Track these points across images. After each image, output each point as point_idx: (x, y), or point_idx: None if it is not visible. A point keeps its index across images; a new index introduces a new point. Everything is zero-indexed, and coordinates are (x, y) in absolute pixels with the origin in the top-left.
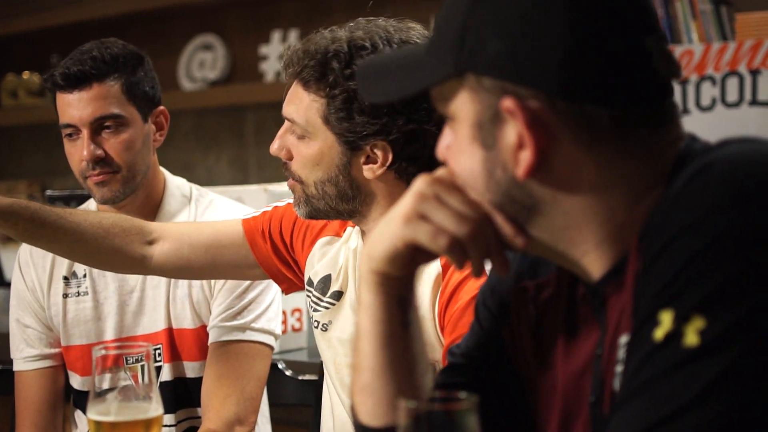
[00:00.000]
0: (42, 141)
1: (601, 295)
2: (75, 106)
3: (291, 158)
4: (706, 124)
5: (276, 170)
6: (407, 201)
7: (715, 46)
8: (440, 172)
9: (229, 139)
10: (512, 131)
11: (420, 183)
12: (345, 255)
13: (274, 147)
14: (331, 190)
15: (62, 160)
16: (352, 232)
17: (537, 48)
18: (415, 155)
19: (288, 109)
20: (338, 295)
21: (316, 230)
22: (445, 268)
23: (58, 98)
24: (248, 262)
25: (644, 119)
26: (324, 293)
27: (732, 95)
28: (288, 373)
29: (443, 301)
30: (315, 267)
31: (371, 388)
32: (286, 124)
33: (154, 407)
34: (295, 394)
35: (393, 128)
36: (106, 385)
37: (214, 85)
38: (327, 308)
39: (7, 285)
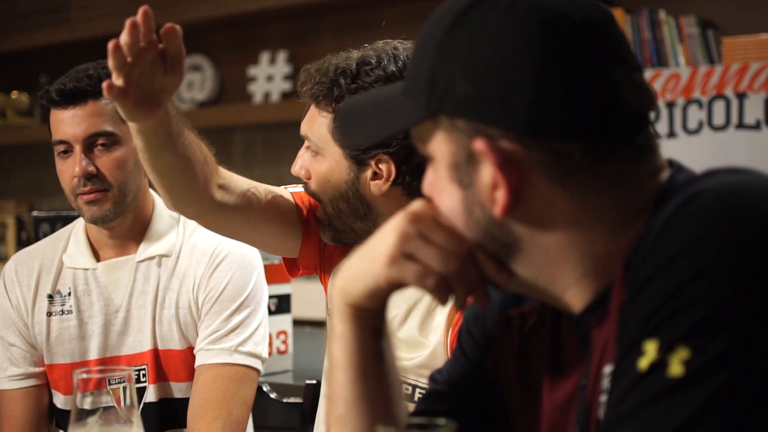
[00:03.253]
0: (30, 161)
1: (584, 327)
2: (69, 123)
3: (309, 177)
4: (693, 147)
5: None
6: (389, 240)
7: (701, 69)
8: (418, 207)
9: (216, 159)
10: (486, 171)
11: (400, 221)
12: None
13: (295, 167)
14: (345, 208)
15: (50, 180)
16: None
17: (504, 88)
18: (418, 169)
19: (303, 127)
20: None
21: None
22: None
23: (51, 115)
24: (292, 236)
25: (618, 152)
26: None
27: (719, 118)
28: (273, 395)
29: (455, 333)
30: None
31: (346, 419)
32: (305, 143)
33: (135, 431)
34: (280, 417)
35: (393, 141)
36: (88, 407)
37: (203, 106)
38: None
39: None
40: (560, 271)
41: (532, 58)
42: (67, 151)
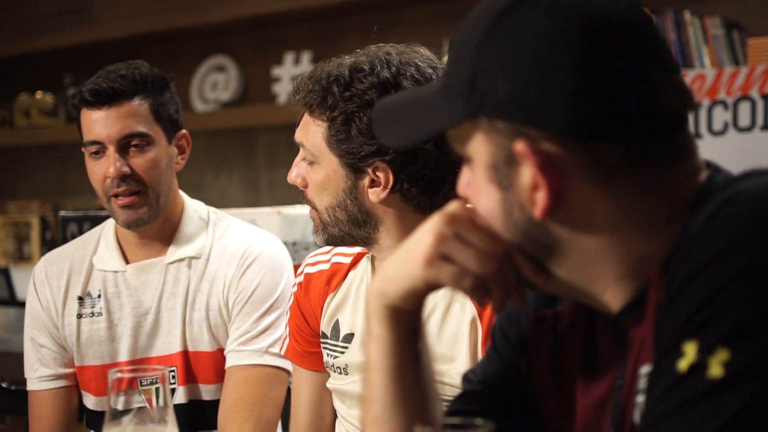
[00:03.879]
0: (54, 161)
1: (620, 327)
2: (102, 123)
3: (306, 186)
4: (718, 148)
5: (287, 192)
6: (427, 241)
7: (727, 70)
8: (455, 208)
9: (241, 160)
10: (526, 173)
11: (437, 222)
12: (351, 298)
13: (291, 175)
14: (342, 216)
15: (74, 180)
16: (353, 277)
17: (545, 90)
18: (416, 176)
19: (298, 135)
20: (350, 338)
21: (317, 299)
22: (479, 311)
23: (83, 115)
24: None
25: (657, 153)
26: (337, 339)
27: (744, 120)
28: None
29: (484, 343)
30: (323, 321)
31: (382, 420)
32: (301, 151)
33: (170, 430)
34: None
35: (389, 149)
36: (121, 408)
37: (227, 106)
38: (342, 353)
39: (18, 304)
40: (598, 273)
41: (572, 60)
42: (100, 152)
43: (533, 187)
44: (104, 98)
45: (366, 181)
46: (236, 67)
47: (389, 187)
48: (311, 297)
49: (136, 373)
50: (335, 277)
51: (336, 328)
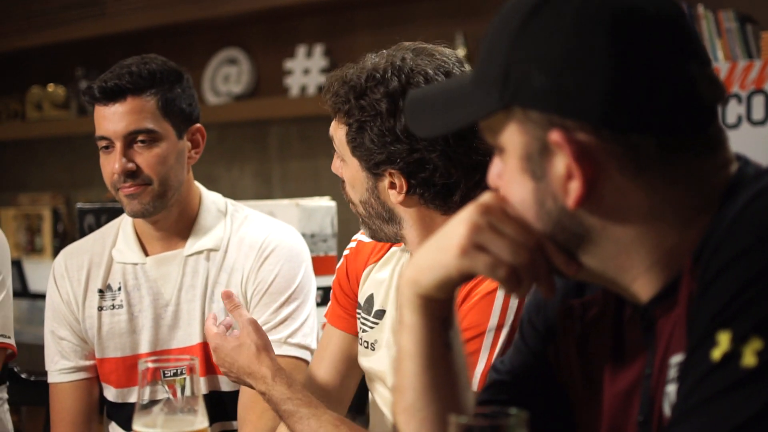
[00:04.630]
0: (66, 153)
1: (650, 317)
2: (110, 119)
3: (344, 177)
4: (732, 141)
5: (299, 184)
6: (461, 231)
7: (740, 64)
8: (487, 199)
9: (253, 152)
10: (561, 162)
11: (471, 212)
12: (388, 274)
13: (335, 165)
14: (371, 211)
15: (86, 172)
16: (396, 251)
17: (581, 80)
18: (427, 182)
19: (330, 131)
20: (381, 314)
21: (361, 264)
22: None
23: (95, 111)
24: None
25: (691, 145)
26: (369, 313)
27: (758, 113)
28: None
29: (460, 298)
30: (362, 290)
31: (414, 408)
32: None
33: (200, 420)
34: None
35: (397, 157)
36: (146, 398)
37: (239, 99)
38: (372, 327)
39: (30, 296)
40: (629, 262)
41: (607, 51)
42: (109, 146)
43: (567, 176)
44: (111, 95)
45: (385, 182)
46: (248, 60)
47: (404, 191)
48: (358, 262)
49: (166, 363)
50: (381, 249)
51: (370, 302)
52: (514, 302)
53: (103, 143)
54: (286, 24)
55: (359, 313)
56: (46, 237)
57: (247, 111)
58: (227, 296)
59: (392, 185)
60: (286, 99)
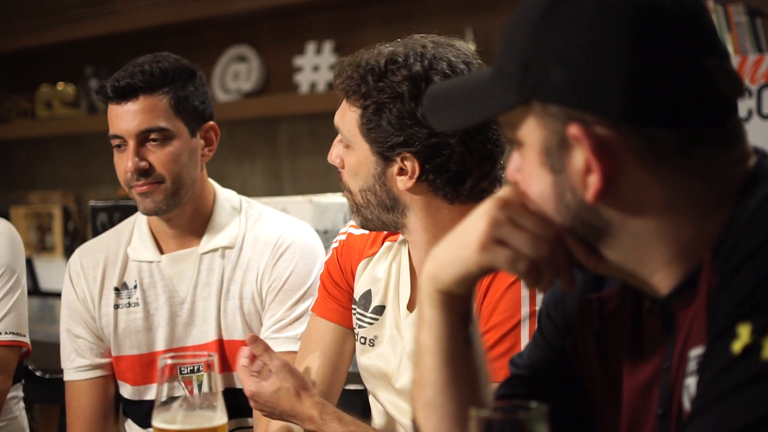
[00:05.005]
0: (76, 151)
1: (669, 310)
2: (123, 118)
3: (344, 167)
4: None
5: (309, 181)
6: (481, 226)
7: (750, 58)
8: (506, 193)
9: (263, 149)
10: (579, 156)
11: (490, 206)
12: (385, 269)
13: (331, 156)
14: (373, 200)
15: (96, 170)
16: (392, 246)
17: (600, 74)
18: (441, 168)
19: (336, 118)
20: (380, 310)
21: (355, 258)
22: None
23: (108, 109)
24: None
25: (709, 139)
26: (366, 309)
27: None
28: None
29: (480, 295)
30: (357, 285)
31: (435, 404)
32: (339, 134)
33: (219, 415)
34: (341, 404)
35: (416, 140)
36: (165, 395)
37: (249, 96)
38: (371, 324)
39: (41, 294)
40: (649, 255)
41: (627, 45)
42: (122, 145)
43: (586, 170)
44: (123, 94)
45: (395, 168)
46: (258, 57)
47: (415, 176)
48: (352, 256)
49: (185, 360)
50: (375, 242)
51: (367, 297)
52: None
53: (116, 142)
54: (295, 21)
55: (355, 309)
56: (56, 235)
57: (257, 108)
58: (253, 340)
59: (401, 171)
60: (296, 96)
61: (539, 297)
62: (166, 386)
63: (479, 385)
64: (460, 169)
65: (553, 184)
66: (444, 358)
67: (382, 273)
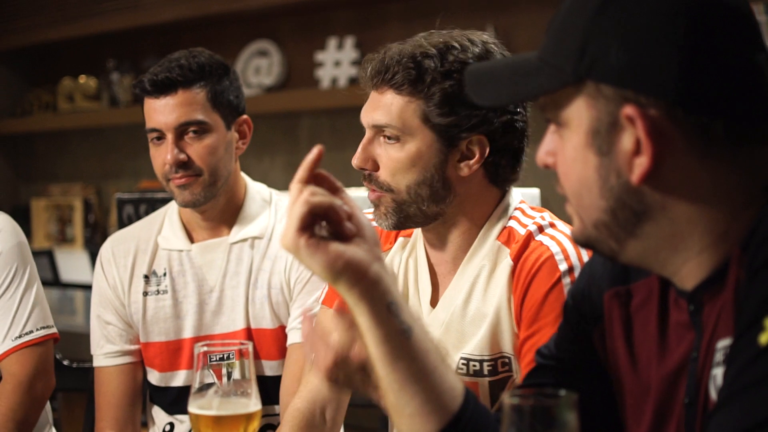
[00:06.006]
0: (97, 144)
1: (698, 301)
2: (161, 112)
3: (376, 168)
4: None
5: None
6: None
7: None
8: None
9: (283, 144)
10: (628, 138)
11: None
12: (401, 265)
13: (358, 160)
14: (425, 192)
15: (116, 163)
16: (407, 242)
17: (659, 59)
18: (509, 146)
19: (374, 115)
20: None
21: None
22: (515, 261)
23: (145, 103)
24: None
25: (754, 133)
26: None
27: None
28: None
29: (519, 295)
30: None
31: (399, 406)
32: (369, 134)
33: (254, 402)
34: (364, 395)
35: (494, 118)
36: (199, 381)
37: (270, 91)
38: None
39: (62, 286)
40: (683, 243)
41: (688, 33)
42: (160, 137)
43: (633, 152)
44: (162, 88)
45: (457, 156)
46: (279, 52)
47: (483, 159)
48: None
49: (219, 348)
50: (388, 238)
51: None
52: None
53: (153, 135)
54: (317, 16)
55: None
56: (77, 227)
57: (278, 103)
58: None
59: (464, 157)
60: (317, 91)
61: None
62: (199, 373)
63: (437, 374)
64: (520, 146)
65: (597, 167)
66: (389, 359)
67: (398, 269)
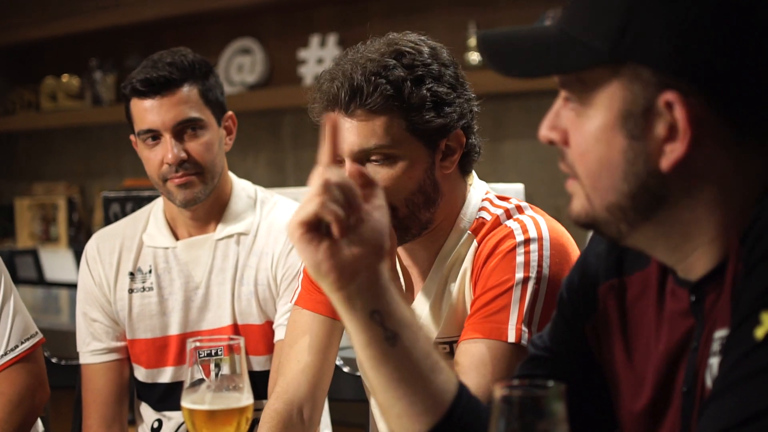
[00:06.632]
0: (80, 143)
1: (701, 291)
2: (156, 112)
3: None
4: None
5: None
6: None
7: None
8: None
9: (266, 141)
10: (663, 123)
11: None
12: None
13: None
14: (420, 200)
15: (100, 162)
16: None
17: (706, 47)
18: (474, 135)
19: (359, 142)
20: None
21: None
22: (480, 242)
23: (134, 105)
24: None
25: None
26: None
27: None
28: (345, 369)
29: (477, 268)
30: None
31: (387, 406)
32: (352, 166)
33: (246, 396)
34: (352, 390)
35: (466, 108)
36: (192, 377)
37: (253, 88)
38: None
39: (46, 284)
40: (697, 231)
41: (736, 23)
42: (156, 138)
43: (666, 138)
44: (156, 87)
45: (440, 155)
46: (262, 50)
47: (462, 150)
48: None
49: (211, 343)
50: None
51: None
52: (534, 255)
53: (148, 136)
54: (299, 14)
55: None
56: (61, 226)
57: (261, 101)
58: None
59: (445, 155)
60: (300, 88)
61: (533, 264)
62: (192, 369)
63: (425, 379)
64: (476, 133)
65: (625, 150)
66: (373, 363)
67: None
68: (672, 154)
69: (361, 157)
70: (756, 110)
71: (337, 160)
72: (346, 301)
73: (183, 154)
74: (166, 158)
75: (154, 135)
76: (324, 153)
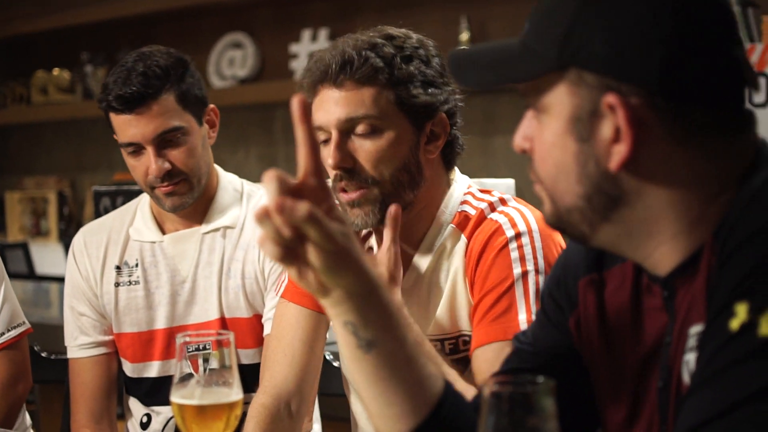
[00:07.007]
0: (71, 137)
1: (671, 286)
2: (135, 125)
3: (354, 165)
4: None
5: None
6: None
7: None
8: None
9: (258, 136)
10: (608, 125)
11: None
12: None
13: (336, 159)
14: (405, 178)
15: (91, 156)
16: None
17: (643, 48)
18: (457, 126)
19: (346, 111)
20: None
21: None
22: (469, 239)
23: (114, 118)
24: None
25: (730, 122)
26: None
27: (759, 96)
28: (336, 364)
29: (471, 266)
30: None
31: (374, 410)
32: (337, 133)
33: (235, 391)
34: (342, 385)
35: (450, 97)
36: (182, 371)
37: (244, 82)
38: None
39: (36, 278)
40: (657, 228)
41: (672, 23)
42: (137, 150)
43: (613, 139)
44: (131, 104)
45: (425, 138)
46: (253, 44)
47: (446, 138)
48: None
49: (204, 337)
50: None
51: None
52: (527, 249)
53: (130, 149)
54: (291, 8)
55: None
56: (51, 220)
57: (252, 95)
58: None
59: (430, 139)
60: (292, 82)
61: (529, 257)
62: (182, 363)
63: (404, 384)
64: (459, 128)
65: (577, 153)
66: (349, 365)
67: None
68: (618, 155)
69: (348, 127)
70: (699, 109)
71: (316, 142)
72: (325, 307)
73: (167, 165)
74: (150, 171)
75: (136, 148)
76: (300, 137)
